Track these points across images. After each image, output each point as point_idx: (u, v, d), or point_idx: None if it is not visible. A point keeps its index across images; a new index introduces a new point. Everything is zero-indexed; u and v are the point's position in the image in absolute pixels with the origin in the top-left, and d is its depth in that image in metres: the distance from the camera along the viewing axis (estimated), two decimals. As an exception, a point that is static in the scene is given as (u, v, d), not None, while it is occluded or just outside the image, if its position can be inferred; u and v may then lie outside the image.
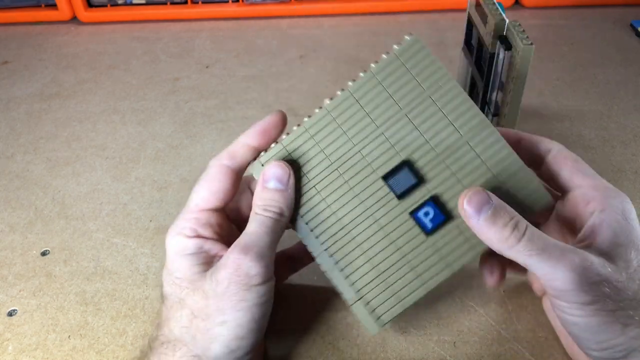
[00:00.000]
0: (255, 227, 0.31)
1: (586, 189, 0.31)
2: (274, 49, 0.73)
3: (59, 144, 0.57)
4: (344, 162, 0.34)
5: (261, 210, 0.32)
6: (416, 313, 0.38)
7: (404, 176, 0.33)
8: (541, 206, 0.32)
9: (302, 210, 0.34)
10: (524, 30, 0.42)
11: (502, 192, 0.32)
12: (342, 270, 0.34)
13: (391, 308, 0.33)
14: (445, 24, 0.77)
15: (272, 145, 0.34)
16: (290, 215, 0.33)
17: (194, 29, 0.80)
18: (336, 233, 0.34)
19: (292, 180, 0.32)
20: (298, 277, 0.40)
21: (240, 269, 0.30)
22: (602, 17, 0.77)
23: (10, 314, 0.40)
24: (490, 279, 0.35)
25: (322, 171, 0.34)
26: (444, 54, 0.69)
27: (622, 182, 0.49)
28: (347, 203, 0.34)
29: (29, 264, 0.44)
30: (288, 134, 0.34)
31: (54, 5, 0.81)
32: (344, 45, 0.73)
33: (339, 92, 0.34)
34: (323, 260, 0.34)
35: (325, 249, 0.34)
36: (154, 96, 0.65)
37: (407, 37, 0.33)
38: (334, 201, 0.34)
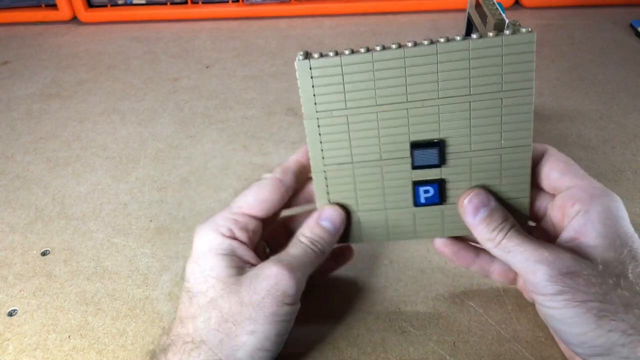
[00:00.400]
0: (300, 253, 0.33)
1: (574, 190, 0.32)
2: (274, 49, 0.73)
3: (59, 144, 0.57)
4: (386, 111, 0.33)
5: (308, 242, 0.34)
6: (416, 313, 0.38)
7: (431, 154, 0.33)
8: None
9: (325, 121, 0.33)
10: (523, 30, 0.42)
11: (497, 199, 0.34)
12: (328, 193, 0.35)
13: (351, 236, 0.36)
14: (445, 24, 0.77)
15: (330, 53, 0.32)
16: (326, 257, 0.35)
17: (194, 29, 0.80)
18: (340, 159, 0.34)
19: (342, 229, 0.35)
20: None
21: (279, 284, 0.31)
22: (602, 17, 0.77)
23: (10, 314, 0.40)
24: (442, 247, 0.36)
25: (360, 100, 0.33)
26: (444, 54, 0.69)
27: (622, 182, 0.49)
28: (366, 144, 0.34)
29: (29, 264, 0.44)
30: (353, 51, 0.32)
31: (54, 5, 0.81)
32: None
33: (425, 42, 0.31)
34: (318, 177, 0.35)
35: (324, 168, 0.34)
36: (154, 96, 0.65)
37: (523, 30, 0.31)
38: (356, 130, 0.33)
